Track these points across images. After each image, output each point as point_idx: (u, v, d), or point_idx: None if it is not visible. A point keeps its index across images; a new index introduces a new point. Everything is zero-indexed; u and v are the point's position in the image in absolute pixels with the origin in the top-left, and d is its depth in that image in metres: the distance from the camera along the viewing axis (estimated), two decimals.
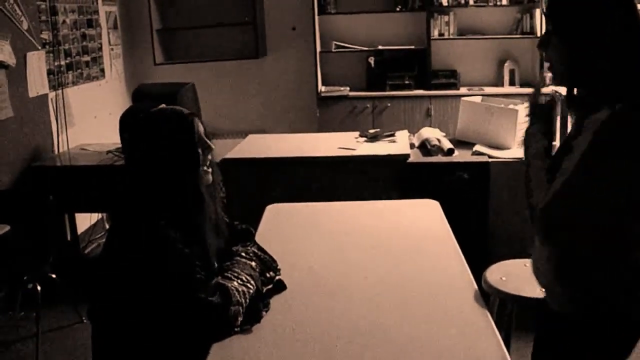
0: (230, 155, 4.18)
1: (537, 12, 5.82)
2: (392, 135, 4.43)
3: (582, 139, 1.67)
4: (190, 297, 1.79)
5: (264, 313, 1.96)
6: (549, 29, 1.81)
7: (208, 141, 1.99)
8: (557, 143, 3.68)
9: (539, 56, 5.84)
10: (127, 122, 4.09)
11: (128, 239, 1.86)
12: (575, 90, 1.86)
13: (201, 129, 1.98)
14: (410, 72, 6.11)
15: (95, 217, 5.26)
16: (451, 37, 6.07)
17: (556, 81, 1.92)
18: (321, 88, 6.18)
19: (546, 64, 1.96)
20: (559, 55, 1.79)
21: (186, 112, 1.97)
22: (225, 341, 1.84)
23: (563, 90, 1.96)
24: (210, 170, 2.01)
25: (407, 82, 6.08)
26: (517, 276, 2.66)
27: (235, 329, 1.86)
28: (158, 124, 1.93)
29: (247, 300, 1.91)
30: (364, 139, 4.40)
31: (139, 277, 1.81)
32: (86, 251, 5.03)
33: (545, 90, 2.65)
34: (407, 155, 4.04)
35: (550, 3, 1.83)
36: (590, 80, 1.75)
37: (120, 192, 2.01)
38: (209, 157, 2.00)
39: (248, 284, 1.94)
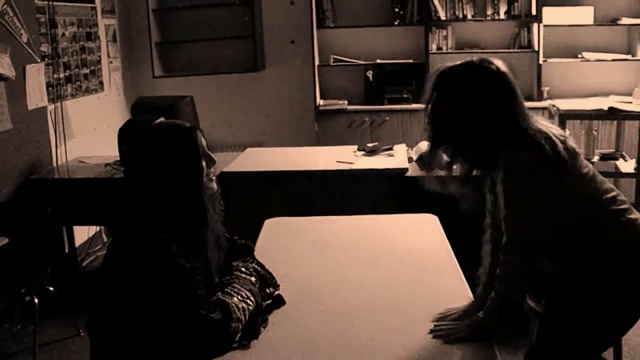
0: (229, 168, 4.19)
1: (535, 26, 5.85)
2: (390, 149, 4.43)
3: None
4: (191, 313, 1.79)
5: (262, 329, 1.96)
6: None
7: (211, 154, 2.00)
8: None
9: (536, 70, 5.88)
10: (126, 135, 4.10)
11: (129, 253, 1.86)
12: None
13: (203, 142, 1.99)
14: (408, 86, 6.11)
15: (92, 230, 5.25)
16: (449, 51, 6.08)
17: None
18: (319, 101, 6.19)
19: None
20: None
21: (188, 125, 1.98)
22: (223, 357, 1.83)
23: None
24: (213, 178, 2.02)
25: (405, 95, 6.09)
26: None
27: (234, 345, 1.86)
28: (163, 138, 1.94)
29: (247, 317, 1.91)
30: (362, 152, 4.40)
31: (139, 292, 1.81)
32: (83, 264, 5.01)
33: None
34: (405, 169, 4.04)
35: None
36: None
37: (120, 205, 2.01)
38: (212, 169, 2.01)
39: (248, 300, 1.95)
